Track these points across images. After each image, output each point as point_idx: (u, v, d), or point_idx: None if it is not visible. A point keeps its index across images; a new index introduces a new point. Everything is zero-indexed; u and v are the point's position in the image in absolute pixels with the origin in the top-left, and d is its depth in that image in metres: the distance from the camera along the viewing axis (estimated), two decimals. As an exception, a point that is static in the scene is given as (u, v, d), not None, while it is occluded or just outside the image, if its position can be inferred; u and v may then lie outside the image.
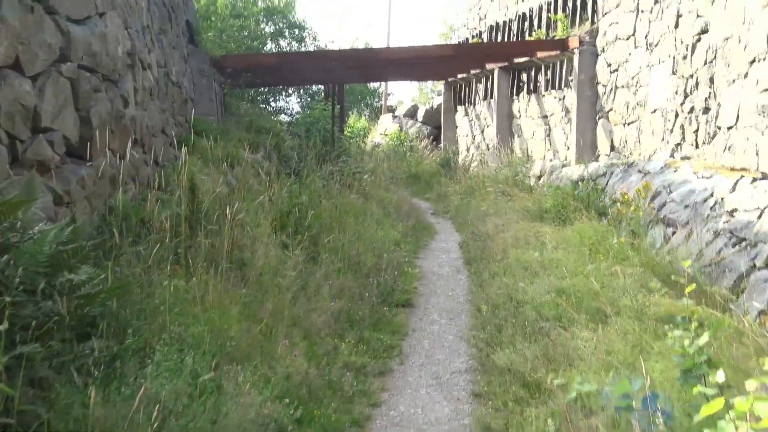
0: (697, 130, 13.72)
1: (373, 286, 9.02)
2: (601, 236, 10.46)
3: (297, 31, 41.57)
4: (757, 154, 10.82)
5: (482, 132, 26.99)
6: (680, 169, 11.83)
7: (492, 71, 24.70)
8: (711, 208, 9.63)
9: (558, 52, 20.85)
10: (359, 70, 24.89)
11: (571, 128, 20.35)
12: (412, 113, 33.57)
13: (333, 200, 10.89)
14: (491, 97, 25.45)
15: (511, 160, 20.61)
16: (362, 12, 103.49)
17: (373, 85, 46.19)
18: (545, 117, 22.44)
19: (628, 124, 18.12)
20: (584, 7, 20.72)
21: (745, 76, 11.66)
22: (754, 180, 9.34)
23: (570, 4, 21.38)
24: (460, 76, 27.71)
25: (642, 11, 17.63)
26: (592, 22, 20.17)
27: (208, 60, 19.03)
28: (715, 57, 13.08)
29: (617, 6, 18.95)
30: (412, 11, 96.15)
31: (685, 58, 14.64)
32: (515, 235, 11.76)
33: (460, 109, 29.22)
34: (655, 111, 16.61)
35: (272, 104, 41.07)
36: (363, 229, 11.03)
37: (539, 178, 20.52)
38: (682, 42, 14.89)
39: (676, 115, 15.05)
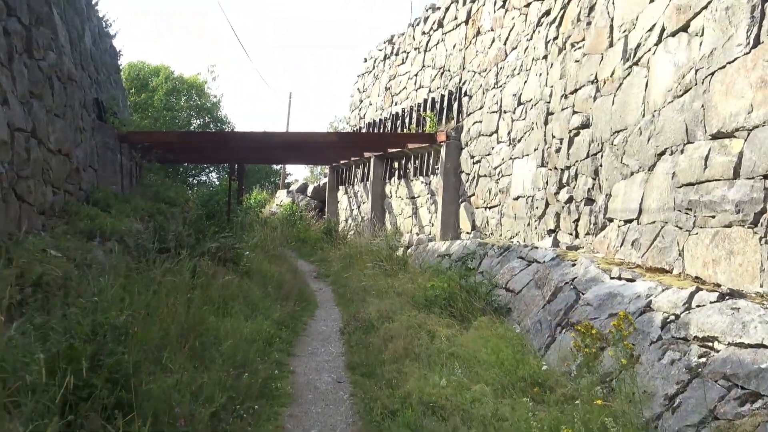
0: (577, 220, 9.26)
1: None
2: (519, 353, 5.75)
3: (219, 125, 36.55)
4: (680, 254, 6.35)
5: (359, 207, 22.25)
6: (580, 263, 7.30)
7: (369, 159, 20.08)
8: (662, 328, 5.09)
9: (427, 144, 16.38)
10: (258, 152, 19.81)
11: (437, 209, 15.80)
12: (302, 189, 28.42)
13: (192, 293, 5.80)
14: (368, 180, 20.79)
15: (387, 235, 15.80)
16: (271, 111, 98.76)
17: (276, 166, 41.23)
18: (413, 198, 17.87)
19: (490, 208, 13.67)
20: (450, 108, 16.33)
21: (650, 168, 7.27)
22: (723, 297, 4.84)
23: (437, 106, 16.97)
24: (342, 161, 22.96)
25: (505, 112, 13.30)
26: (458, 121, 15.78)
27: (114, 135, 13.62)
28: (601, 150, 8.71)
29: (480, 108, 14.61)
30: (307, 114, 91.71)
31: (558, 151, 10.26)
32: (405, 334, 6.90)
33: (342, 188, 24.43)
34: (518, 198, 12.20)
35: (196, 179, 35.75)
36: (228, 329, 5.99)
37: (407, 248, 15.80)
38: (554, 137, 10.54)
39: (547, 204, 10.62)
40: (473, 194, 14.51)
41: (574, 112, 9.79)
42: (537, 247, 8.89)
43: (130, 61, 34.21)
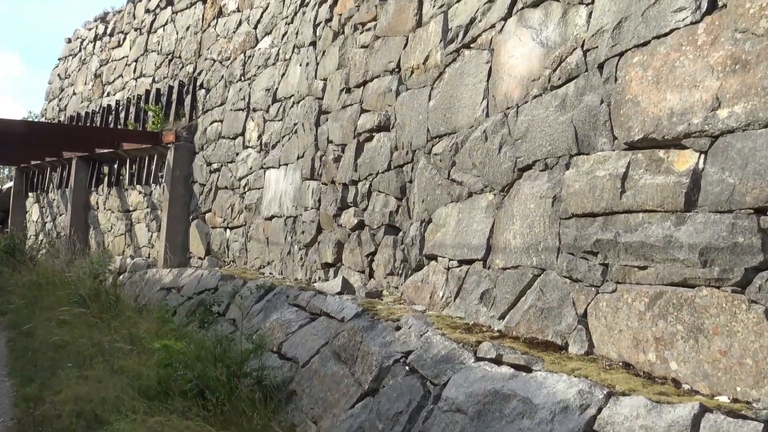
0: (373, 254, 6.66)
1: None
2: None
3: None
4: (581, 322, 4.02)
5: (54, 220, 17.36)
6: (408, 325, 4.68)
7: (70, 161, 15.53)
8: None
9: (149, 145, 12.68)
10: None
11: (161, 226, 12.19)
12: (-23, 195, 21.91)
13: None
14: (67, 186, 16.15)
15: (92, 259, 11.63)
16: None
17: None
18: (128, 211, 13.92)
19: (232, 228, 10.57)
20: (181, 103, 12.83)
21: (507, 189, 4.95)
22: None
23: (164, 99, 13.32)
24: (34, 162, 17.82)
25: (255, 110, 10.37)
26: (191, 118, 12.38)
27: None
28: (413, 160, 6.26)
29: (221, 104, 11.46)
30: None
31: (338, 160, 7.65)
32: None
33: (32, 195, 19.09)
34: (272, 218, 9.35)
35: None
36: None
37: (119, 274, 11.91)
38: (331, 142, 7.91)
39: (320, 229, 7.92)
40: (210, 210, 11.27)
41: (364, 111, 7.27)
42: (323, 293, 6.09)
43: None
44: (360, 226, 6.87)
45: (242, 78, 10.97)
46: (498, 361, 3.81)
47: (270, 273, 9.20)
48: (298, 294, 6.36)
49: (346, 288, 6.20)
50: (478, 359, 3.95)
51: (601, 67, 4.26)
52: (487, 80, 5.36)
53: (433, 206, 5.75)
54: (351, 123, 7.42)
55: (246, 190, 10.27)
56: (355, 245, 6.85)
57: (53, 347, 7.38)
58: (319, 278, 7.66)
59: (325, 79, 8.41)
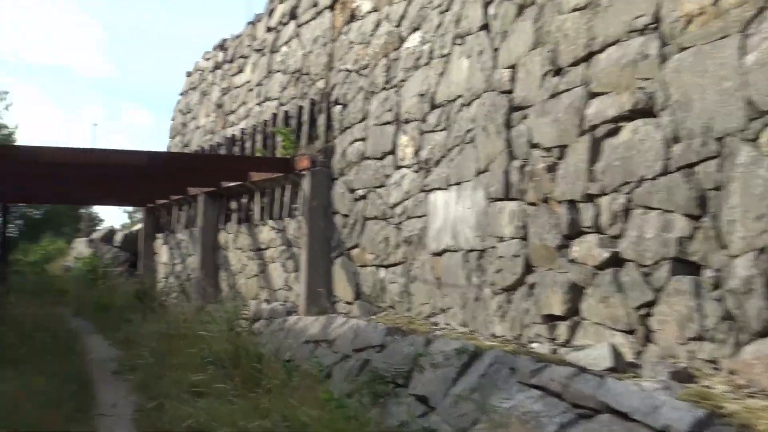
0: (650, 305, 4.26)
1: None
2: None
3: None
4: None
5: (183, 261, 16.07)
6: None
7: (196, 197, 14.15)
8: None
9: (281, 174, 10.88)
10: (37, 183, 13.13)
11: (299, 266, 10.28)
12: (108, 238, 20.83)
13: None
14: (194, 225, 14.79)
15: (227, 308, 9.83)
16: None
17: (87, 210, 32.68)
18: (260, 250, 12.19)
19: (388, 266, 8.45)
20: (314, 123, 10.96)
21: None
22: None
23: (294, 122, 11.54)
24: (160, 201, 16.72)
25: (407, 121, 8.27)
26: (326, 140, 10.49)
27: None
28: (719, 153, 3.83)
29: (363, 119, 9.46)
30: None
31: (552, 169, 5.34)
32: None
33: (161, 236, 18.01)
34: (443, 252, 7.15)
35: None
36: None
37: (254, 321, 10.13)
38: (535, 145, 5.62)
39: (529, 267, 5.61)
40: (356, 245, 9.25)
41: (595, 94, 4.95)
42: (585, 370, 3.76)
43: None
44: (615, 261, 4.50)
45: (386, 86, 8.95)
46: None
47: (446, 324, 7.02)
48: (539, 369, 4.07)
49: (619, 362, 3.84)
50: None
51: None
52: None
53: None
54: (573, 114, 5.12)
55: (403, 219, 8.17)
56: (611, 291, 4.47)
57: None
58: (537, 335, 5.35)
59: (512, 66, 6.19)
